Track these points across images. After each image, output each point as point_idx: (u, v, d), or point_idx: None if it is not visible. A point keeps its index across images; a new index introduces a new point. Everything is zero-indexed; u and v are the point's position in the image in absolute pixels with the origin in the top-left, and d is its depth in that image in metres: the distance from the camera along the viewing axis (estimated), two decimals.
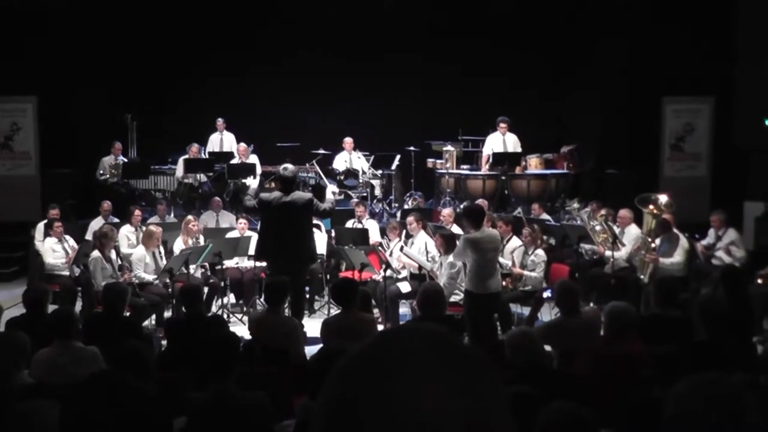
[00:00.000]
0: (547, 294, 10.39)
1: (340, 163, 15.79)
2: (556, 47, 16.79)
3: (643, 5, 15.68)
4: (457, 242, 9.26)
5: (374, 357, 1.20)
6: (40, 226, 12.58)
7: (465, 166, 16.09)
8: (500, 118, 15.39)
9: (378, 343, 1.23)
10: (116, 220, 12.93)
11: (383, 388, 1.16)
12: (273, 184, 14.49)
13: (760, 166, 14.50)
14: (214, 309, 11.27)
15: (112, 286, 8.18)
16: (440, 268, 10.30)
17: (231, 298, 12.06)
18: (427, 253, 10.89)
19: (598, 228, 11.40)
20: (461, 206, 13.95)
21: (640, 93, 15.55)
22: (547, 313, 10.55)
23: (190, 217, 12.28)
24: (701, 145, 15.23)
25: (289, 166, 10.07)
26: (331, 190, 10.87)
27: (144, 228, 11.74)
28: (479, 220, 9.04)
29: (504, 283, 10.16)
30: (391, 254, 11.25)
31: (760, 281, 10.29)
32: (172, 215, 14.12)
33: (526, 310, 10.63)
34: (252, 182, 15.49)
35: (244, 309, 11.64)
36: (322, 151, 15.93)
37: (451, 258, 9.69)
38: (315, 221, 11.96)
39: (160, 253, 11.28)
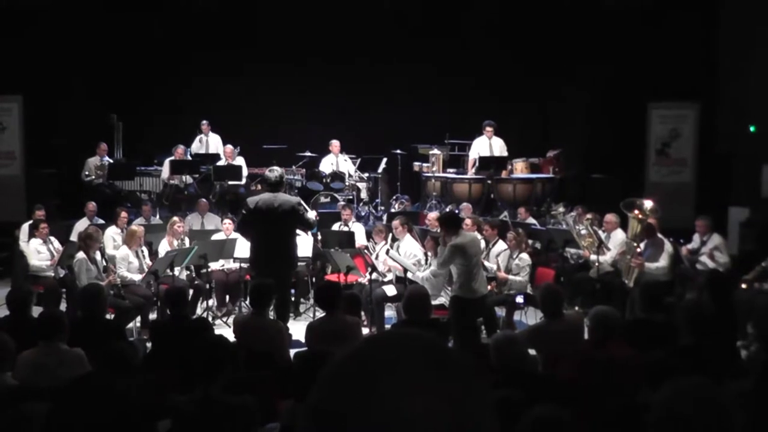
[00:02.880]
0: (519, 299, 10.41)
1: (326, 165, 15.77)
2: (543, 52, 16.81)
3: (629, 12, 15.72)
4: (440, 250, 9.29)
5: (360, 363, 1.21)
6: (25, 227, 12.50)
7: (451, 170, 16.13)
8: (486, 122, 15.43)
9: (364, 349, 1.23)
10: (101, 221, 12.88)
11: (369, 394, 1.16)
12: (260, 186, 14.48)
13: (744, 171, 14.57)
14: (198, 311, 11.25)
15: (87, 288, 8.11)
16: (429, 269, 10.31)
17: (215, 301, 12.03)
18: (414, 256, 10.90)
19: (583, 232, 11.43)
20: (447, 210, 14.00)
21: (626, 99, 15.60)
22: (532, 317, 10.58)
23: (175, 218, 12.24)
24: (686, 150, 15.28)
25: (276, 168, 10.05)
26: (313, 214, 10.79)
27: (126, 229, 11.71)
28: (457, 226, 9.13)
29: (489, 287, 10.19)
30: (377, 257, 11.25)
31: (744, 286, 10.34)
32: (158, 217, 14.07)
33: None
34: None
35: (228, 311, 11.61)
36: (308, 154, 15.93)
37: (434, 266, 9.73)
38: None
39: (142, 252, 11.24)
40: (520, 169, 15.78)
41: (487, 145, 15.47)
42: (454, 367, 1.22)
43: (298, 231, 10.23)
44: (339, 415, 1.16)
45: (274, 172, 9.80)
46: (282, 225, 9.57)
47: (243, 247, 10.95)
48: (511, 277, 10.58)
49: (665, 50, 15.38)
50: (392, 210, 15.03)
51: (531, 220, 13.43)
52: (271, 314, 8.84)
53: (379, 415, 1.14)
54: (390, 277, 11.15)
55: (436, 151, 15.88)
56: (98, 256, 10.61)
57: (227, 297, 11.87)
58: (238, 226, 10.59)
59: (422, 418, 1.14)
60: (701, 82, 15.37)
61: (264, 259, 9.55)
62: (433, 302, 9.03)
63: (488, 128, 15.42)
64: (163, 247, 11.59)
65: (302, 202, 10.20)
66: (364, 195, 15.85)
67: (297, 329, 9.35)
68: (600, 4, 16.12)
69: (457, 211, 12.97)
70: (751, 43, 14.72)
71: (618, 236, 11.40)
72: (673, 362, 5.20)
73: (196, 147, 16.45)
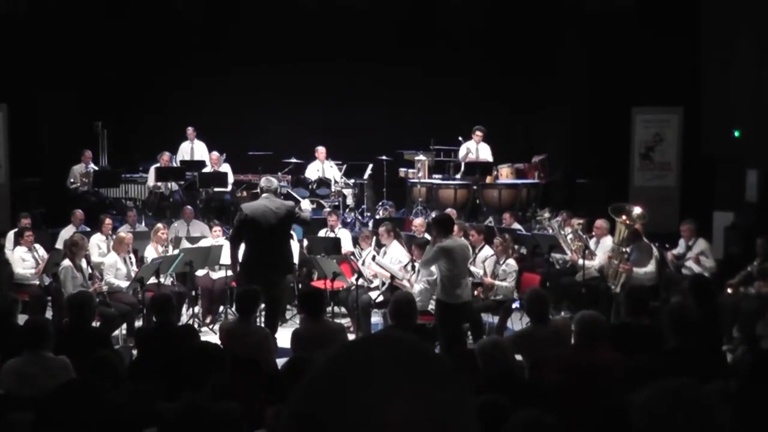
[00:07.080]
0: (515, 305, 10.46)
1: (312, 172, 15.77)
2: (526, 58, 16.86)
3: (612, 16, 15.78)
4: (428, 249, 9.29)
5: (339, 371, 1.20)
6: (10, 235, 12.45)
7: (437, 176, 16.13)
8: (476, 127, 15.46)
9: (343, 356, 1.23)
10: (87, 228, 12.84)
11: (349, 402, 1.16)
12: (245, 194, 14.56)
13: (728, 175, 14.61)
14: (184, 319, 11.22)
15: (76, 296, 8.07)
16: (417, 275, 10.32)
17: (201, 308, 11.99)
18: (399, 262, 10.91)
19: (570, 237, 11.44)
20: (432, 215, 14.01)
21: (610, 103, 15.66)
22: (518, 323, 10.60)
23: (159, 225, 12.20)
24: (670, 154, 15.34)
25: (272, 178, 10.05)
26: (307, 201, 10.81)
27: (114, 236, 11.67)
28: (449, 229, 9.12)
29: (475, 292, 10.21)
30: (363, 263, 11.25)
31: (729, 290, 10.38)
32: (143, 224, 14.02)
33: (497, 319, 10.66)
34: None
35: (214, 318, 11.59)
36: (294, 160, 15.91)
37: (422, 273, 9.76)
38: None
39: (130, 259, 11.21)
40: (505, 174, 15.81)
41: (474, 149, 15.50)
42: (434, 372, 1.22)
43: None
44: (318, 420, 1.17)
45: (272, 182, 9.78)
46: (278, 232, 9.50)
47: (228, 255, 10.86)
48: (497, 282, 10.59)
49: (648, 55, 15.44)
50: (378, 216, 15.02)
51: (516, 226, 13.43)
52: (260, 320, 8.81)
53: (358, 420, 1.15)
54: (376, 283, 11.16)
55: (421, 156, 15.88)
56: (84, 263, 10.57)
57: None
58: (232, 237, 10.11)
59: (402, 425, 1.15)
60: (684, 87, 15.44)
61: (266, 267, 9.39)
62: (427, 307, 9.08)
63: (478, 132, 15.44)
64: (150, 253, 11.55)
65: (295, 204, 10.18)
66: (350, 201, 15.86)
67: (283, 336, 9.33)
68: (583, 9, 16.17)
69: None
70: (733, 48, 14.78)
71: (607, 242, 11.36)
72: (658, 366, 5.22)
73: (182, 153, 16.43)
